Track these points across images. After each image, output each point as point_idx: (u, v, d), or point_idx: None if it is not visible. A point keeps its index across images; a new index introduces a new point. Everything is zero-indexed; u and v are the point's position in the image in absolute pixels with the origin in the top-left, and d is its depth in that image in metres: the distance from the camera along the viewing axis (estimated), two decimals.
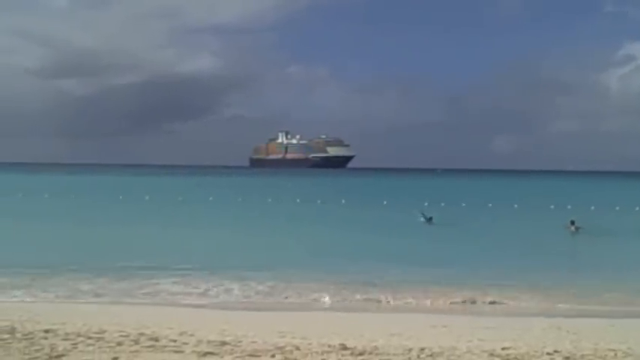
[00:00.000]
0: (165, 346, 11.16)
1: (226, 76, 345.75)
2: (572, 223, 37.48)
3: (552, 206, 52.79)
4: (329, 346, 11.47)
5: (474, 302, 18.12)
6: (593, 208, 53.88)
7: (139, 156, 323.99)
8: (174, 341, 11.52)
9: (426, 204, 55.66)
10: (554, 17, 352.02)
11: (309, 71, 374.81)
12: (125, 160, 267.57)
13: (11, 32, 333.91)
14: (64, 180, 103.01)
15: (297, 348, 11.25)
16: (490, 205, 56.59)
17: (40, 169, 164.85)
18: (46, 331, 12.01)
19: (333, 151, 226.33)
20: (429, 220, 38.83)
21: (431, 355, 10.97)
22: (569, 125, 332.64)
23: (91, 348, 10.94)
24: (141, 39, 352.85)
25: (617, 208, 54.47)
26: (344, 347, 11.37)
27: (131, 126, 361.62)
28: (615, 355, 11.26)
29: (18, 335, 11.68)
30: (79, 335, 11.79)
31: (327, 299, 18.48)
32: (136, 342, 11.38)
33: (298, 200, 61.40)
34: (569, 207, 52.98)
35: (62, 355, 10.40)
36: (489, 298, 18.51)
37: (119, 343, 11.27)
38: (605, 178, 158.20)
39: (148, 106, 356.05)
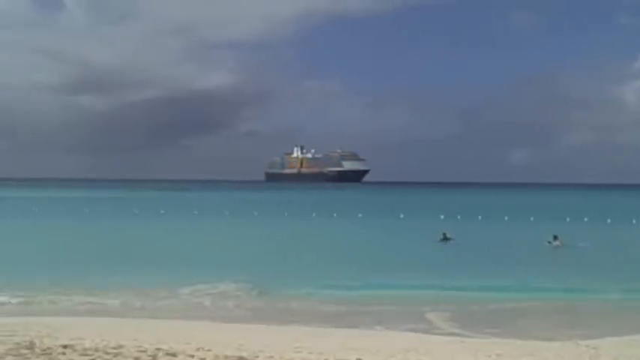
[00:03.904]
0: None
1: (242, 92, 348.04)
2: (556, 238, 36.29)
3: (568, 219, 52.45)
4: None
5: (488, 318, 17.96)
6: (609, 221, 53.45)
7: (156, 171, 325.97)
8: (192, 356, 11.56)
9: (442, 217, 55.62)
10: (568, 30, 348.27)
11: (324, 86, 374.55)
12: (142, 176, 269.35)
13: (31, 49, 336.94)
14: (81, 197, 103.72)
15: None
16: (506, 218, 56.31)
17: (61, 185, 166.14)
18: (65, 347, 12.08)
19: (348, 166, 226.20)
20: (445, 237, 38.39)
21: None
22: (585, 138, 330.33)
23: None
24: (159, 55, 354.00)
25: (634, 221, 53.86)
26: None
27: (148, 141, 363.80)
28: None
29: (37, 350, 11.77)
30: (96, 350, 11.86)
31: (342, 315, 18.42)
32: (154, 357, 11.43)
33: (314, 214, 61.44)
34: (585, 219, 52.66)
35: None
36: (505, 315, 18.38)
37: (137, 358, 11.33)
38: (622, 191, 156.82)
39: (165, 122, 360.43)
